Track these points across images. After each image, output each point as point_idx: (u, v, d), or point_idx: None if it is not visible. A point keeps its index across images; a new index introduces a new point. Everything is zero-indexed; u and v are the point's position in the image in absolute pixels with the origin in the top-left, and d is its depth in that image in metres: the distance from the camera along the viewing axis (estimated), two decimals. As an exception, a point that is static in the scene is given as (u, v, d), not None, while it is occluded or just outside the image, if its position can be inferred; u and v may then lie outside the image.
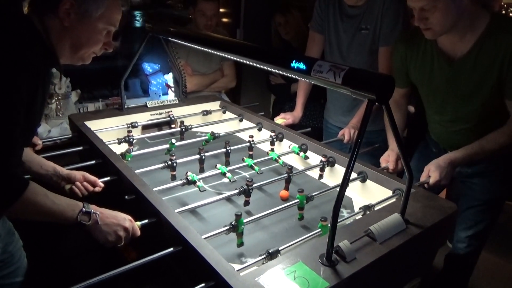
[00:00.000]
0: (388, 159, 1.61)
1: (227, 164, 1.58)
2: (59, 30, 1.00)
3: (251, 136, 1.70)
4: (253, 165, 1.47)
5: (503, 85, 1.37)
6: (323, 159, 1.53)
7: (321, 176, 1.55)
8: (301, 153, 1.64)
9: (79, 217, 1.01)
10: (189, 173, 1.32)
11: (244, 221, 1.11)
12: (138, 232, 1.09)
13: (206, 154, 1.53)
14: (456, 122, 1.55)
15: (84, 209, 1.02)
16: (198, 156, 1.51)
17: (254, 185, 1.29)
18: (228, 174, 1.39)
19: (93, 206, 1.05)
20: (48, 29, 0.98)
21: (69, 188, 1.28)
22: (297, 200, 1.24)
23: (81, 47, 1.06)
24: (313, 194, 1.28)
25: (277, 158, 1.56)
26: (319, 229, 1.11)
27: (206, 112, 2.05)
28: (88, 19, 1.02)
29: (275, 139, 1.76)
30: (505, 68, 1.33)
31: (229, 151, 1.59)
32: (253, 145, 1.68)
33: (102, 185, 1.32)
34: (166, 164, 1.41)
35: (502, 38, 1.32)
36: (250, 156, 1.64)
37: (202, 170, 1.51)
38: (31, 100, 0.93)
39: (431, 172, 1.41)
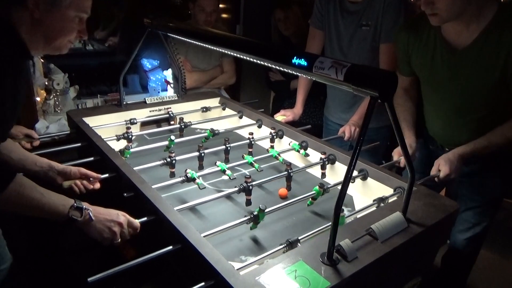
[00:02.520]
0: (401, 153, 1.59)
1: (226, 161, 1.57)
2: (30, 23, 0.99)
3: (251, 133, 1.69)
4: (253, 162, 1.46)
5: (509, 80, 1.34)
6: (323, 157, 1.52)
7: (323, 175, 1.54)
8: (302, 150, 1.62)
9: (70, 213, 1.00)
10: (188, 170, 1.31)
11: (243, 219, 1.10)
12: (137, 226, 1.08)
13: (206, 151, 1.51)
14: (456, 116, 1.53)
15: (75, 204, 1.01)
16: (197, 153, 1.49)
17: (254, 183, 1.28)
18: (228, 172, 1.37)
19: (85, 203, 1.04)
20: (17, 21, 0.97)
21: (68, 185, 1.27)
22: (313, 192, 1.26)
23: (55, 37, 1.04)
24: (329, 186, 1.30)
25: (277, 156, 1.55)
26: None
27: (206, 109, 2.03)
28: (58, 9, 1.00)
29: (275, 136, 1.75)
30: (510, 62, 1.30)
31: (229, 148, 1.58)
32: (253, 142, 1.67)
33: (100, 177, 1.31)
34: (165, 161, 1.40)
35: (509, 31, 1.29)
36: (250, 153, 1.62)
37: (201, 167, 1.50)
38: None
39: (441, 167, 1.40)
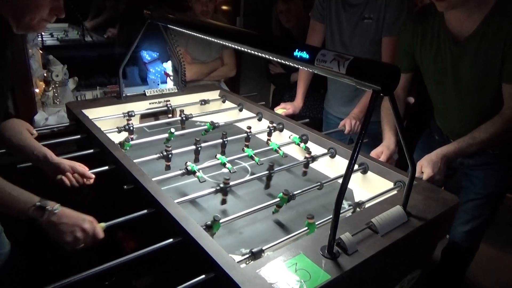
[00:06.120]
0: (380, 155, 1.51)
1: (223, 154, 1.55)
2: None
3: (249, 127, 1.67)
4: (253, 155, 1.46)
5: (503, 68, 1.32)
6: (308, 156, 1.46)
7: (304, 174, 1.50)
8: (302, 144, 1.62)
9: (30, 211, 0.97)
10: (188, 163, 1.30)
11: (244, 212, 1.10)
12: (101, 235, 1.03)
13: (205, 144, 1.50)
14: (458, 107, 1.51)
15: (38, 203, 0.97)
16: (194, 147, 1.47)
17: (253, 176, 1.26)
18: (228, 165, 1.37)
19: (52, 203, 1.00)
20: None
21: (59, 178, 1.25)
22: (278, 199, 1.19)
23: (23, 14, 1.00)
24: (330, 180, 1.30)
25: (278, 149, 1.54)
26: (306, 228, 1.07)
27: (204, 102, 2.02)
28: None
29: (273, 130, 1.73)
30: (506, 50, 1.29)
31: (226, 142, 1.56)
32: (250, 136, 1.64)
33: (92, 176, 1.29)
34: (162, 154, 1.39)
35: (508, 19, 1.27)
36: (247, 147, 1.61)
37: (197, 161, 1.48)
38: None
39: (424, 168, 1.36)
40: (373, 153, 1.56)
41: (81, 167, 1.29)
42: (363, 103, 1.92)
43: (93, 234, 1.02)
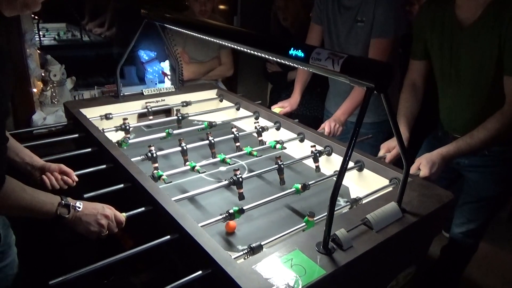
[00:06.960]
0: (390, 149, 1.52)
1: (213, 155, 1.54)
2: None
3: (234, 127, 1.67)
4: (225, 158, 1.44)
5: (502, 59, 1.31)
6: (314, 150, 1.49)
7: (317, 169, 1.51)
8: (278, 145, 1.59)
9: (58, 210, 1.00)
10: (155, 172, 1.30)
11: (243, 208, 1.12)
12: (122, 219, 1.08)
13: (201, 143, 1.51)
14: (458, 99, 1.51)
15: (63, 202, 1.01)
16: (179, 148, 1.45)
17: (252, 173, 1.28)
18: (227, 159, 1.38)
19: (70, 199, 1.03)
20: None
21: (39, 178, 1.24)
22: (293, 189, 1.24)
23: None
24: (325, 177, 1.31)
25: (251, 152, 1.51)
26: (304, 224, 1.09)
27: (186, 103, 1.98)
28: None
29: (261, 130, 1.71)
30: (502, 40, 1.28)
31: (213, 141, 1.54)
32: (237, 135, 1.62)
33: (76, 178, 1.28)
34: (146, 156, 1.37)
35: (505, 10, 1.27)
36: (237, 148, 1.60)
37: (186, 161, 1.45)
38: None
39: (422, 166, 1.36)
40: (385, 145, 1.56)
41: (67, 168, 1.28)
42: (346, 105, 1.89)
43: (114, 218, 1.06)
